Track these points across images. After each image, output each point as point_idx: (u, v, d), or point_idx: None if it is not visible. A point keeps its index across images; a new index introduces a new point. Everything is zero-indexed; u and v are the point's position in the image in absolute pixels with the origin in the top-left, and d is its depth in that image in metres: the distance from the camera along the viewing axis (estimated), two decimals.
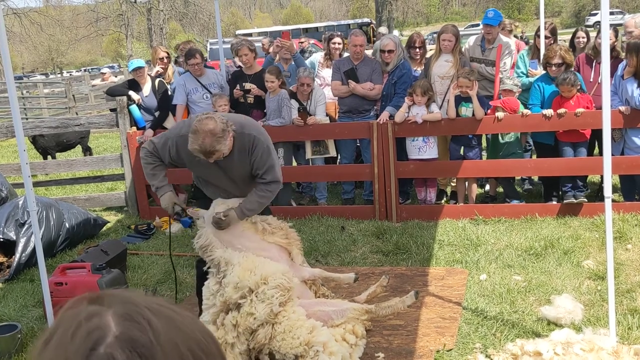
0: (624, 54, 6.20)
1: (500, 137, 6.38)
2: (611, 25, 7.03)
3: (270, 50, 8.50)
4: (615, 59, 6.32)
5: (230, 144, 3.74)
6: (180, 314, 0.78)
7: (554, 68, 6.18)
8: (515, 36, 9.50)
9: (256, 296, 3.53)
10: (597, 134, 6.10)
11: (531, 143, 6.96)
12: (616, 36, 6.79)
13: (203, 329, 0.79)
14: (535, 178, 7.23)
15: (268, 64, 7.50)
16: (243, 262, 3.68)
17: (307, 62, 7.84)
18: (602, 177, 6.16)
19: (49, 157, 10.31)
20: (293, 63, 7.51)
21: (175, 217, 4.17)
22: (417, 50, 7.07)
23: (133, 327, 0.72)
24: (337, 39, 7.63)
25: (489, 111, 6.29)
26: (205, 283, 3.87)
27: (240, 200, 4.03)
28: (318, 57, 8.02)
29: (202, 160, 3.77)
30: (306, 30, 35.07)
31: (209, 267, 3.95)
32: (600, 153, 6.01)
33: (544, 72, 6.41)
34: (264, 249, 4.03)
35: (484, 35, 6.82)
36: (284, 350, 3.47)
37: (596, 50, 6.33)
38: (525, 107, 6.31)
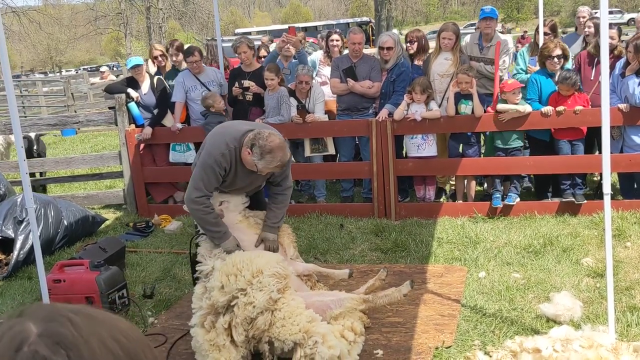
0: (625, 52, 6.18)
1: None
2: (614, 24, 7.03)
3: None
4: (617, 58, 6.29)
5: None
6: (100, 312, 0.81)
7: (555, 60, 6.15)
8: (523, 37, 9.48)
9: (251, 288, 3.54)
10: (596, 133, 6.09)
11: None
12: (620, 35, 6.77)
13: (124, 322, 0.83)
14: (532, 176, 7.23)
15: (272, 59, 7.48)
16: (223, 267, 3.72)
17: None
18: (601, 174, 6.16)
19: None
20: (294, 61, 7.49)
21: None
22: (409, 45, 7.06)
23: (54, 325, 0.75)
24: (336, 36, 7.61)
25: (487, 108, 6.28)
26: (194, 289, 3.94)
27: (232, 197, 4.19)
28: (319, 55, 8.00)
29: (241, 170, 4.00)
30: (305, 29, 35.05)
31: (197, 278, 4.03)
32: (600, 151, 6.01)
33: (542, 68, 6.40)
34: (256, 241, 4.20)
35: (483, 30, 6.78)
36: (283, 337, 3.48)
37: (598, 49, 6.28)
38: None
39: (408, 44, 7.09)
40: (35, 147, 8.50)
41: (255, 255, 3.76)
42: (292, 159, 4.26)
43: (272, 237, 4.21)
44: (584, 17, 7.27)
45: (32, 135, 8.40)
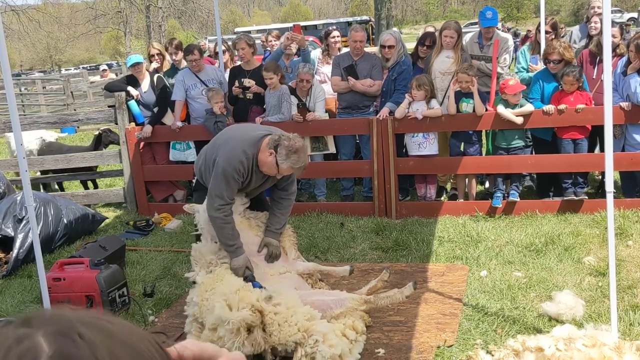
0: (627, 51, 6.16)
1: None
2: (617, 23, 7.00)
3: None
4: (619, 56, 6.27)
5: None
6: (115, 324, 0.74)
7: (552, 65, 6.17)
8: (527, 36, 9.43)
9: (219, 339, 3.52)
10: (598, 131, 6.07)
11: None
12: (622, 34, 6.74)
13: (142, 334, 0.76)
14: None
15: (278, 56, 7.45)
16: (198, 291, 3.76)
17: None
18: (602, 173, 6.15)
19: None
20: (295, 59, 7.46)
21: (245, 280, 3.94)
22: (425, 48, 7.01)
23: (66, 344, 0.68)
24: (336, 32, 7.58)
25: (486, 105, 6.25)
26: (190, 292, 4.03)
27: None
28: (318, 53, 7.98)
29: (255, 176, 4.06)
30: (305, 27, 35.03)
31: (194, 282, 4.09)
32: (602, 150, 6.00)
33: (544, 67, 6.38)
34: (257, 244, 4.25)
35: (484, 35, 6.75)
36: (283, 339, 3.47)
37: (600, 47, 6.27)
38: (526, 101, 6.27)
39: (426, 48, 6.97)
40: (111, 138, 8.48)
41: (215, 295, 3.67)
42: None
43: (274, 243, 4.26)
44: (599, 7, 7.17)
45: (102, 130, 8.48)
